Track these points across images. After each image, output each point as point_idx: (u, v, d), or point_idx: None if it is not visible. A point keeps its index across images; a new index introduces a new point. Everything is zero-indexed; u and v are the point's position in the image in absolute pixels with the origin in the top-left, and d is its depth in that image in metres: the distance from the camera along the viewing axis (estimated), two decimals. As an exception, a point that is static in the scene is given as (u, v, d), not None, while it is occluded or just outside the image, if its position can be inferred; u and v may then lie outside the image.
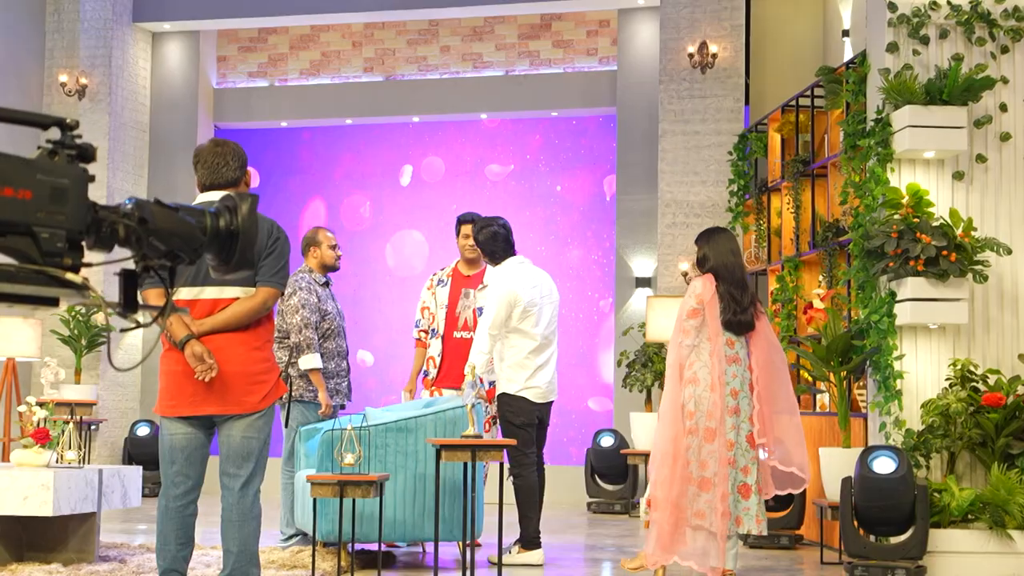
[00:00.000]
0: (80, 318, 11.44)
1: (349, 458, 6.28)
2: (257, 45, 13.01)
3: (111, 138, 12.12)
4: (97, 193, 12.01)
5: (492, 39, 12.41)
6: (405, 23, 12.53)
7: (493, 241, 7.39)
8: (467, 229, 7.89)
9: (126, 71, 12.39)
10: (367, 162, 12.77)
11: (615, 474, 10.85)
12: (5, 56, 11.97)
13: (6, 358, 10.56)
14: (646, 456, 10.20)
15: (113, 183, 12.04)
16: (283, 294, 5.06)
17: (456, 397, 7.27)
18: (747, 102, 11.18)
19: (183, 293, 4.74)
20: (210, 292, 4.74)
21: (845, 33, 10.27)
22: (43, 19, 12.44)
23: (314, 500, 6.42)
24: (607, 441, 10.85)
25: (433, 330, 7.98)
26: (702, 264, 6.32)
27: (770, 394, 6.20)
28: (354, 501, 6.35)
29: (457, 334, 7.93)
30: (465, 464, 6.37)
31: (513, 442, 6.44)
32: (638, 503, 10.73)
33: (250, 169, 5.02)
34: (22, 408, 6.85)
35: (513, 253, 7.40)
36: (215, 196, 4.81)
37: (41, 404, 6.79)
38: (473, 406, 6.47)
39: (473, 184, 12.48)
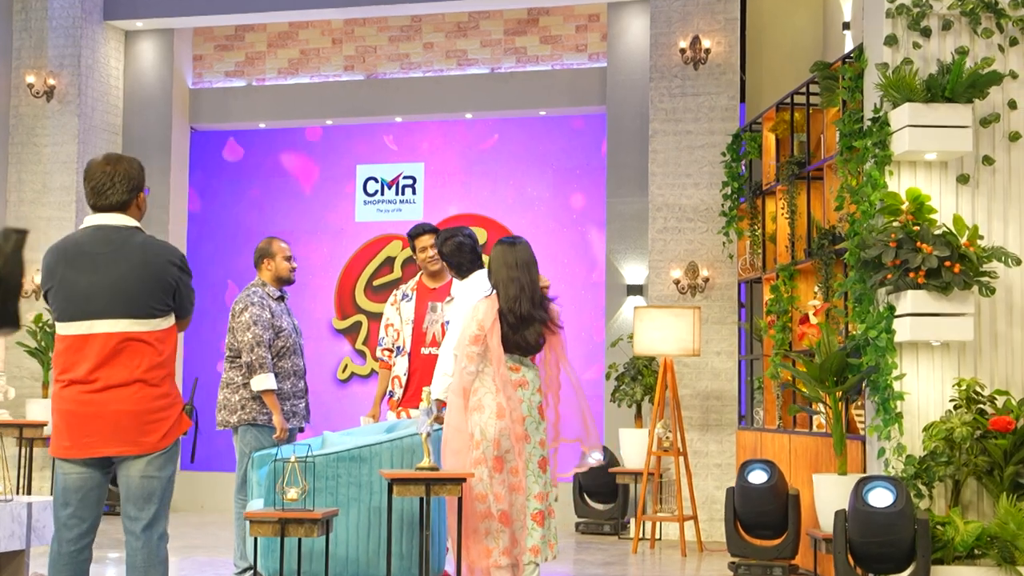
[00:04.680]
0: (48, 329, 10.91)
1: (292, 492, 5.74)
2: (234, 43, 12.49)
3: (80, 141, 11.61)
4: (66, 199, 11.52)
5: (477, 35, 11.86)
6: (387, 19, 11.99)
7: (459, 252, 6.87)
8: (424, 241, 7.36)
9: (96, 71, 11.87)
10: (347, 164, 12.23)
11: (605, 493, 10.30)
12: (-30, 56, 11.47)
13: (-33, 372, 10.06)
14: (636, 475, 9.68)
15: (83, 189, 11.50)
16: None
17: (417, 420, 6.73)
18: (743, 99, 10.60)
19: (72, 328, 4.35)
20: (103, 325, 4.34)
21: (846, 26, 9.68)
22: (10, 18, 11.93)
23: (255, 538, 5.88)
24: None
25: (398, 348, 7.45)
26: (490, 280, 6.17)
27: (586, 410, 6.19)
28: (299, 540, 5.81)
29: (425, 350, 7.39)
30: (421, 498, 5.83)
31: (471, 474, 5.89)
32: (628, 523, 10.18)
33: (144, 192, 4.53)
34: (-54, 436, 6.33)
35: (481, 265, 6.88)
36: (102, 219, 4.45)
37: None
38: (429, 435, 5.93)
39: (460, 188, 11.93)
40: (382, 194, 12.18)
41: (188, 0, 12.04)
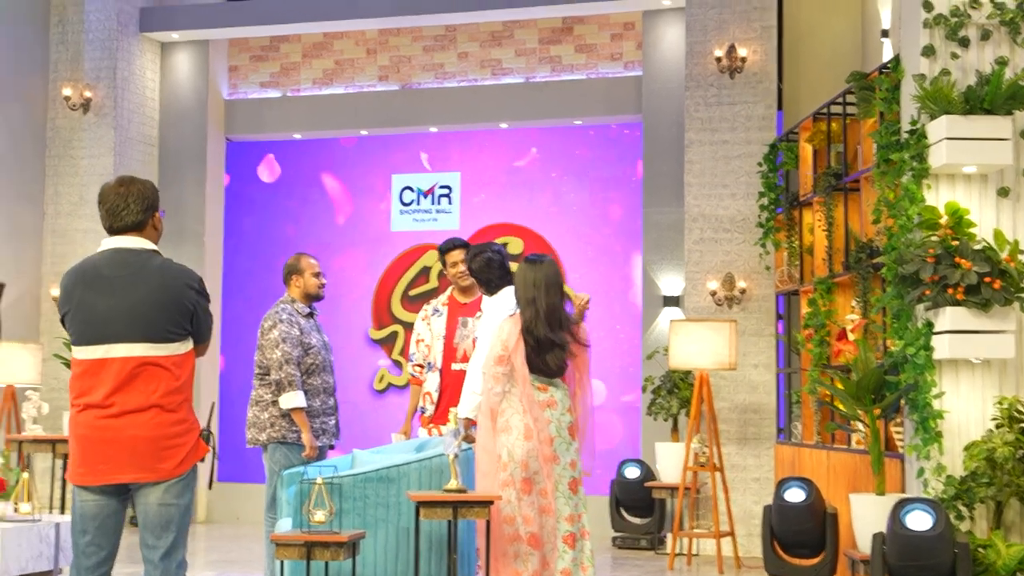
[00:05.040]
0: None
1: (319, 515, 5.67)
2: (269, 54, 12.48)
3: (117, 153, 11.63)
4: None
5: (512, 44, 11.78)
6: (421, 29, 11.94)
7: (487, 269, 6.79)
8: (454, 256, 7.28)
9: (132, 83, 11.89)
10: (383, 174, 12.18)
11: (641, 507, 10.18)
12: (8, 70, 11.53)
13: (5, 385, 10.08)
14: (673, 489, 9.57)
15: (118, 200, 11.53)
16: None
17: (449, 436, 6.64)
18: (781, 108, 10.45)
19: (89, 352, 4.29)
20: (120, 350, 4.29)
21: (885, 33, 9.52)
22: (47, 31, 11.99)
23: (280, 563, 5.83)
24: (632, 472, 10.18)
25: (429, 363, 7.37)
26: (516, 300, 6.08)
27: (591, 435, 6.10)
28: (326, 563, 5.74)
29: (456, 366, 7.30)
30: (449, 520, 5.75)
31: (499, 496, 5.80)
32: (665, 538, 10.06)
33: (160, 213, 4.48)
34: (-25, 455, 6.32)
35: (510, 281, 6.78)
36: (119, 242, 4.40)
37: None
38: (456, 456, 5.84)
39: (496, 198, 11.85)
40: (418, 204, 12.12)
41: (223, 11, 12.06)
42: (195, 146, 12.19)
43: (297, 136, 12.38)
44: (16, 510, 6.29)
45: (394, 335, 12.07)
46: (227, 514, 11.98)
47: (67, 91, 11.62)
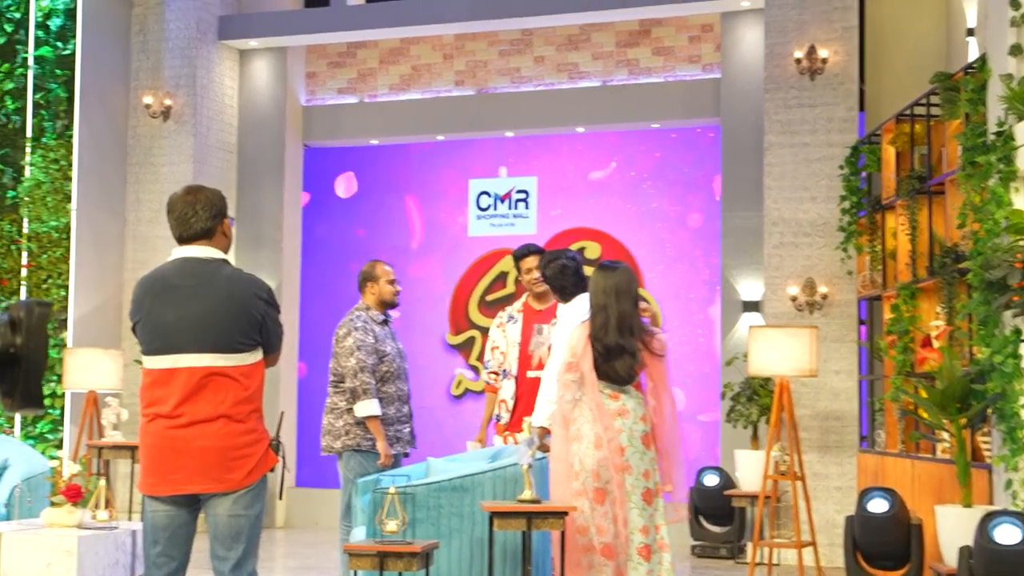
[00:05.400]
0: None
1: (392, 524, 5.64)
2: (346, 60, 12.51)
3: (196, 160, 11.73)
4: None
5: (588, 48, 11.69)
6: (497, 33, 11.89)
7: (562, 275, 6.71)
8: (529, 263, 7.20)
9: (211, 91, 11.99)
10: (459, 179, 12.16)
11: (720, 515, 10.04)
12: (91, 79, 11.68)
13: (87, 390, 10.19)
14: (752, 497, 9.40)
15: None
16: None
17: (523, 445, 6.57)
18: (862, 109, 10.24)
19: (158, 361, 4.27)
20: (188, 359, 4.28)
21: (970, 32, 9.29)
22: (128, 40, 12.13)
23: (354, 572, 5.80)
24: (711, 480, 10.04)
25: (505, 371, 7.31)
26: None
27: (672, 448, 5.91)
28: (399, 574, 5.70)
29: (531, 373, 7.22)
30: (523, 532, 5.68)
31: (574, 507, 5.72)
32: (745, 547, 9.90)
33: (229, 221, 4.47)
34: (54, 463, 6.38)
35: (585, 288, 6.69)
36: (189, 251, 4.39)
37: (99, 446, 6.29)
38: (530, 466, 5.77)
39: (573, 202, 11.77)
40: (495, 209, 12.08)
41: (301, 18, 12.12)
42: (273, 153, 12.26)
43: (374, 142, 12.40)
44: (94, 517, 6.32)
45: (471, 340, 12.04)
46: (306, 519, 12.02)
47: (148, 99, 11.74)
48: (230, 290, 4.33)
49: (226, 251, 4.50)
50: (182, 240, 4.43)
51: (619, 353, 5.78)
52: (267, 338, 4.40)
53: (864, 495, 7.47)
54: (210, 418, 4.24)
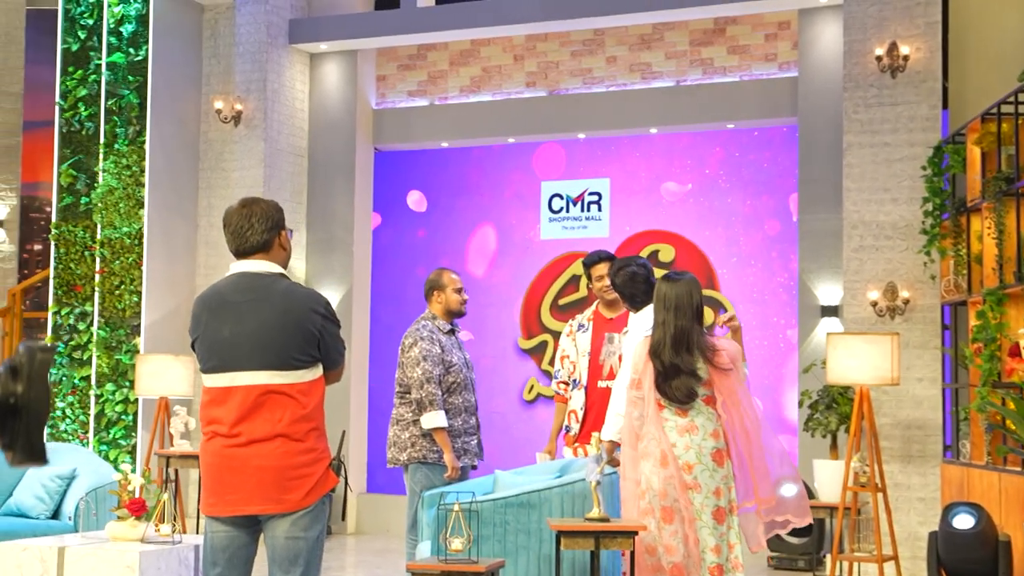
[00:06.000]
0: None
1: (456, 543, 5.50)
2: (416, 63, 12.40)
3: (267, 165, 11.69)
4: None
5: (661, 47, 11.46)
6: (569, 34, 11.70)
7: (631, 283, 6.53)
8: (599, 270, 7.03)
9: (282, 95, 11.94)
10: (531, 181, 11.99)
11: (799, 527, 9.74)
12: (163, 85, 11.69)
13: (159, 397, 10.18)
14: (832, 509, 9.13)
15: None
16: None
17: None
18: (946, 108, 9.90)
19: (215, 379, 4.19)
20: (244, 377, 4.19)
21: (1059, 26, 8.94)
22: (199, 45, 12.13)
23: (419, 589, 5.66)
24: (789, 490, 9.74)
25: (574, 381, 7.14)
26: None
27: (753, 461, 5.66)
28: (464, 592, 5.56)
29: (602, 383, 7.06)
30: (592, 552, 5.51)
31: (643, 527, 5.53)
32: (824, 559, 9.63)
33: (287, 232, 4.35)
34: (118, 475, 6.31)
35: (657, 296, 6.49)
36: (245, 266, 4.28)
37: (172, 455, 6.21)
38: (599, 483, 5.59)
39: (647, 204, 11.55)
40: (567, 211, 11.91)
41: (371, 21, 12.02)
42: (344, 156, 12.19)
43: (444, 145, 12.28)
44: (157, 531, 6.25)
45: (543, 344, 11.87)
46: (377, 526, 11.93)
47: (219, 104, 11.73)
48: (285, 305, 4.21)
49: (285, 264, 4.38)
50: (239, 254, 4.33)
51: (675, 373, 5.59)
52: (326, 353, 4.27)
53: (949, 510, 7.18)
54: (267, 437, 4.13)
